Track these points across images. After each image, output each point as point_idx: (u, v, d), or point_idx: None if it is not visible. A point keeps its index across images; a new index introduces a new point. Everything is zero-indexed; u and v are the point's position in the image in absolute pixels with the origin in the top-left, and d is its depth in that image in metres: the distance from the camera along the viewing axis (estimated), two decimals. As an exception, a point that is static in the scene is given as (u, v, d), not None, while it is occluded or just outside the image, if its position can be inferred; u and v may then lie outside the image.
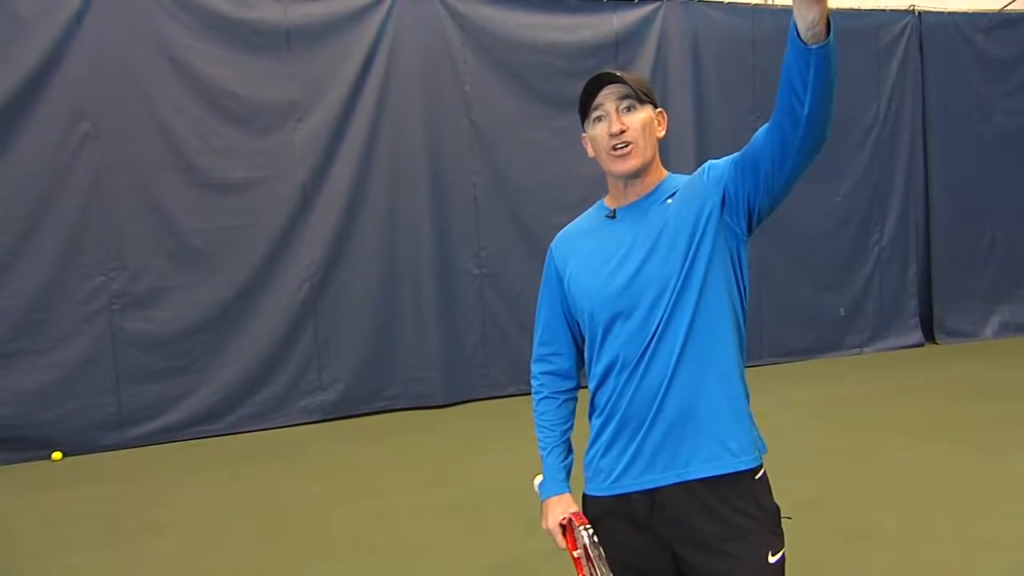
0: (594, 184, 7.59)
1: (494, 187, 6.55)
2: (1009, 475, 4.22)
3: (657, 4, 6.95)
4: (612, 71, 1.66)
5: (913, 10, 7.73)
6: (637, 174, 1.66)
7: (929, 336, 7.90)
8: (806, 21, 1.30)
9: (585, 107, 1.68)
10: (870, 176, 7.64)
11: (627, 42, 6.88)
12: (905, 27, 7.66)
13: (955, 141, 7.87)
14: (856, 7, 7.45)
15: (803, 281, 7.39)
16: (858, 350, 7.66)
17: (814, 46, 1.32)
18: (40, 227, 5.44)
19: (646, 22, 6.94)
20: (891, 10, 7.65)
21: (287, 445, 5.63)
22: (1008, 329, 8.01)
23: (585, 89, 1.67)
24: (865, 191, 7.66)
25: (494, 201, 6.55)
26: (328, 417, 6.12)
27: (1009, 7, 8.13)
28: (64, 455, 5.45)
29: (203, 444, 5.70)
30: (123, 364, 5.62)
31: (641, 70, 6.81)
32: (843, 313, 7.64)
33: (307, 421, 6.07)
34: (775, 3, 7.83)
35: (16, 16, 5.30)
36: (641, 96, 1.64)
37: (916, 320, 7.86)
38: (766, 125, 1.51)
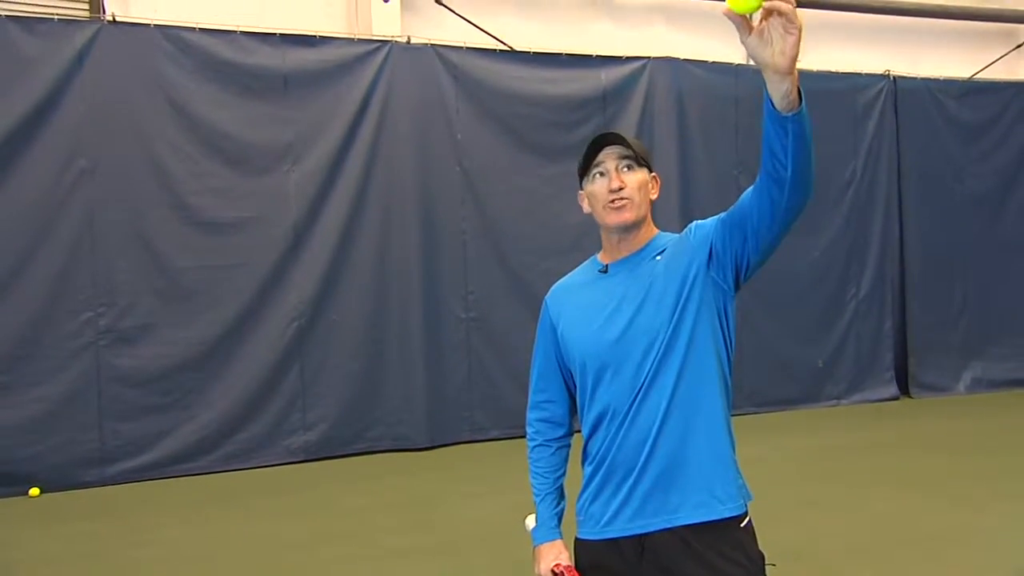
0: (580, 232, 7.81)
1: (483, 233, 6.67)
2: (983, 529, 4.31)
3: (644, 61, 7.19)
4: (615, 132, 1.77)
5: (888, 75, 8.05)
6: (630, 228, 1.76)
7: (904, 389, 8.04)
8: (780, 92, 1.40)
9: (586, 164, 1.79)
10: (848, 231, 7.85)
11: (614, 97, 7.09)
12: (881, 91, 7.96)
13: (929, 200, 8.12)
14: (835, 70, 7.75)
15: (782, 332, 7.52)
16: (835, 401, 7.77)
17: (790, 114, 1.42)
18: (31, 261, 5.46)
19: (633, 78, 7.16)
20: (868, 74, 7.96)
21: (269, 485, 5.61)
22: (980, 385, 8.17)
23: (588, 148, 1.77)
24: (843, 246, 7.86)
25: (483, 246, 6.66)
26: (311, 457, 6.11)
27: (977, 76, 8.48)
28: (42, 491, 5.38)
29: (185, 482, 5.66)
30: (107, 400, 5.60)
31: (628, 124, 7.01)
32: (822, 364, 7.77)
33: (290, 461, 6.05)
34: (756, 64, 8.12)
35: (21, 55, 5.39)
36: (639, 159, 1.76)
37: (892, 373, 8.00)
38: (752, 187, 1.60)
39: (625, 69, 7.13)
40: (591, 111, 7.00)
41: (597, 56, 7.06)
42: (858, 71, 7.89)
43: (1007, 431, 6.65)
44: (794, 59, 1.38)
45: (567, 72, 6.94)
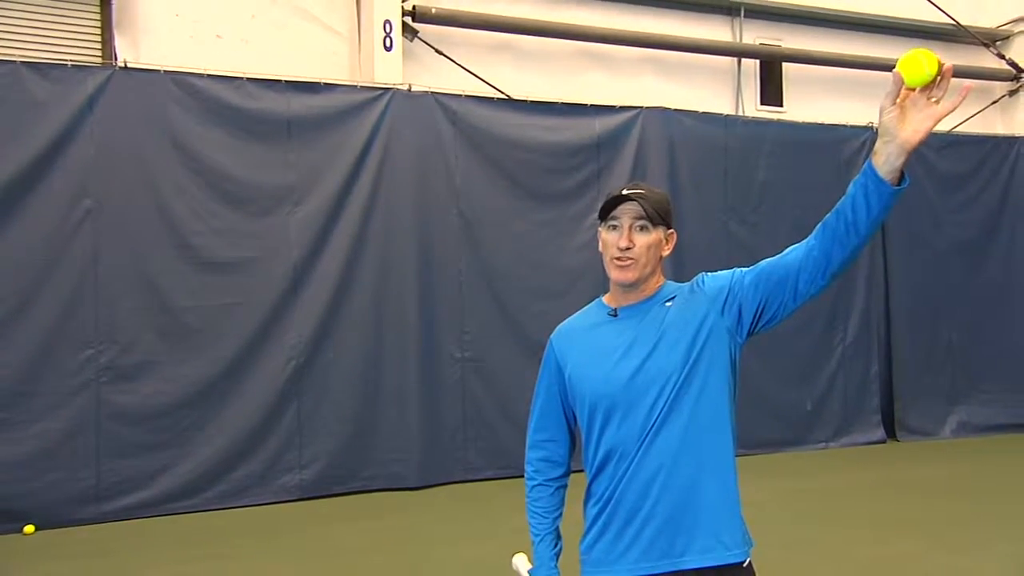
0: (575, 275, 7.92)
1: (479, 275, 6.79)
2: (969, 572, 4.39)
3: (636, 111, 7.40)
4: (638, 191, 1.79)
5: (871, 127, 8.31)
6: (632, 285, 1.81)
7: (891, 433, 8.15)
8: (894, 165, 1.51)
9: (606, 211, 1.82)
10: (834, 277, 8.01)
11: (608, 144, 7.29)
12: (864, 142, 8.21)
13: (912, 248, 8.33)
14: (821, 122, 8.02)
15: (771, 376, 7.61)
16: (824, 444, 7.87)
17: (896, 188, 1.53)
18: (35, 299, 5.52)
19: (626, 127, 7.37)
20: (851, 126, 8.22)
21: (263, 524, 5.62)
22: (965, 429, 8.30)
23: (610, 200, 1.81)
24: (829, 291, 7.88)
25: (479, 288, 6.78)
26: (305, 496, 6.13)
27: (956, 129, 8.78)
28: (37, 529, 5.36)
29: (179, 520, 5.66)
30: (105, 437, 5.62)
31: (621, 171, 7.20)
32: (810, 407, 7.88)
33: (284, 500, 6.07)
34: (745, 114, 8.40)
35: (34, 99, 5.52)
36: (655, 220, 1.79)
37: (879, 417, 8.12)
38: (802, 245, 1.69)
39: (618, 118, 7.34)
40: (585, 158, 7.20)
41: (591, 105, 7.28)
42: (842, 123, 8.16)
43: (992, 475, 6.75)
44: (922, 141, 1.50)
45: (562, 120, 7.15)
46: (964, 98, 1.51)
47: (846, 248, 1.61)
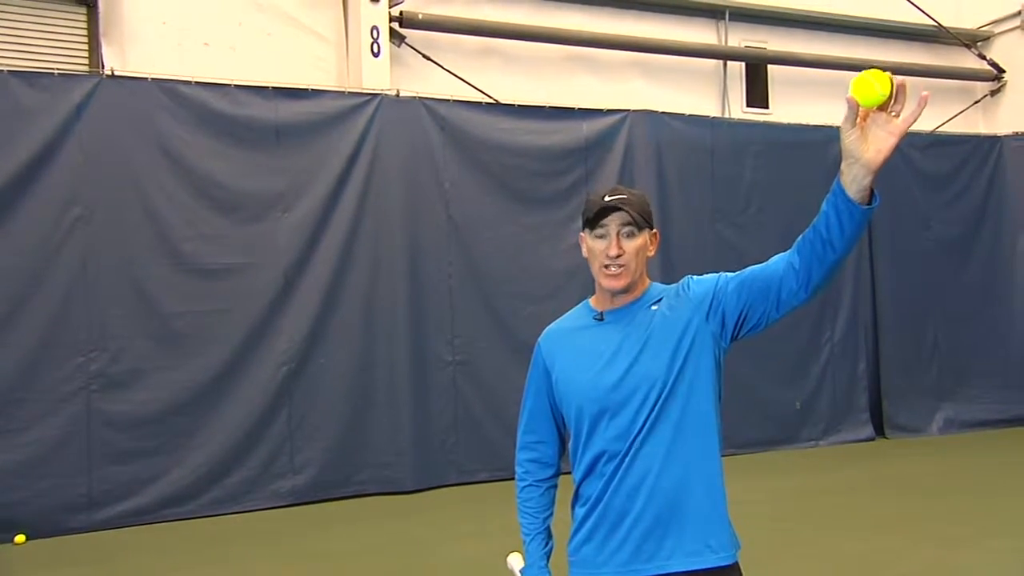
0: (562, 278, 7.93)
1: (469, 278, 6.82)
2: (958, 568, 4.43)
3: (624, 114, 7.46)
4: (622, 199, 1.79)
5: (856, 127, 8.39)
6: (624, 291, 1.82)
7: (880, 430, 8.22)
8: (861, 185, 1.51)
9: (590, 219, 1.81)
10: (818, 290, 8.08)
11: (596, 147, 7.34)
12: (849, 142, 8.29)
13: (899, 247, 8.41)
14: (806, 123, 8.10)
15: (760, 375, 7.66)
16: (813, 443, 7.93)
17: (866, 207, 1.53)
18: (25, 307, 5.52)
19: (613, 130, 7.42)
20: (837, 127, 8.17)
21: (257, 529, 5.63)
22: (952, 426, 8.38)
23: (597, 209, 1.79)
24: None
25: (468, 292, 6.81)
26: (299, 501, 6.13)
27: (939, 129, 8.89)
28: (28, 538, 5.33)
29: (172, 527, 5.65)
30: (96, 445, 5.61)
31: (608, 174, 7.25)
32: (799, 406, 7.94)
33: (278, 505, 6.07)
34: (731, 116, 8.47)
35: (20, 107, 5.53)
36: (641, 224, 1.80)
37: (867, 415, 8.18)
38: (784, 257, 1.69)
39: (606, 121, 7.39)
40: (574, 161, 7.25)
41: (579, 108, 7.33)
42: (828, 124, 8.23)
43: (980, 471, 6.83)
44: (887, 159, 1.50)
45: (550, 124, 7.19)
46: (923, 108, 1.51)
47: (824, 263, 1.62)
